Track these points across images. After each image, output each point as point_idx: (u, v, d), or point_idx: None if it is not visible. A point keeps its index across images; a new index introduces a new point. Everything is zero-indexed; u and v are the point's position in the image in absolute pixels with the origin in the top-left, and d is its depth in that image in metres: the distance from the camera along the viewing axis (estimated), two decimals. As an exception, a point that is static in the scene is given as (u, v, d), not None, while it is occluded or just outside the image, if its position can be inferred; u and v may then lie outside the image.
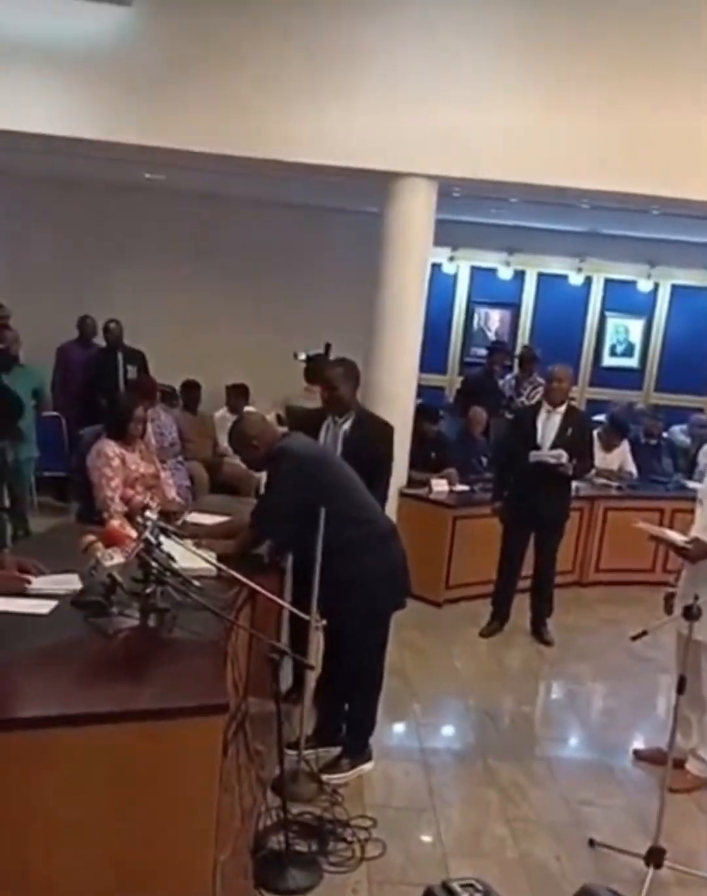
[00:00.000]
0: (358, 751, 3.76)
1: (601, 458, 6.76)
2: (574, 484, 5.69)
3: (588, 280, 9.72)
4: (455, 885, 1.32)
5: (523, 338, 9.67)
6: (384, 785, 3.71)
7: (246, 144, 5.52)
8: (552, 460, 5.17)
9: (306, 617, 3.36)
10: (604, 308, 9.81)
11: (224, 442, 7.86)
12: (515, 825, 3.50)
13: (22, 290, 7.81)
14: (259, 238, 8.54)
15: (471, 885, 1.34)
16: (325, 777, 3.60)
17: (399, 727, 4.30)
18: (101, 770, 2.34)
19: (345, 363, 4.18)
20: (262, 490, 3.52)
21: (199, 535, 3.56)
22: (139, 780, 2.38)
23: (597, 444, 6.56)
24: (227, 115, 5.47)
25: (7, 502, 5.87)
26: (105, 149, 5.70)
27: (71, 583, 3.07)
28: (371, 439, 4.11)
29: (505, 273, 9.65)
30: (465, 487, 6.29)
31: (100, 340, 7.74)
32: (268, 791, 3.26)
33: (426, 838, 3.38)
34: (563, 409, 5.32)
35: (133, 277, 8.38)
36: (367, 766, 3.77)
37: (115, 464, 4.29)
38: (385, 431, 4.22)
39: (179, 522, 3.87)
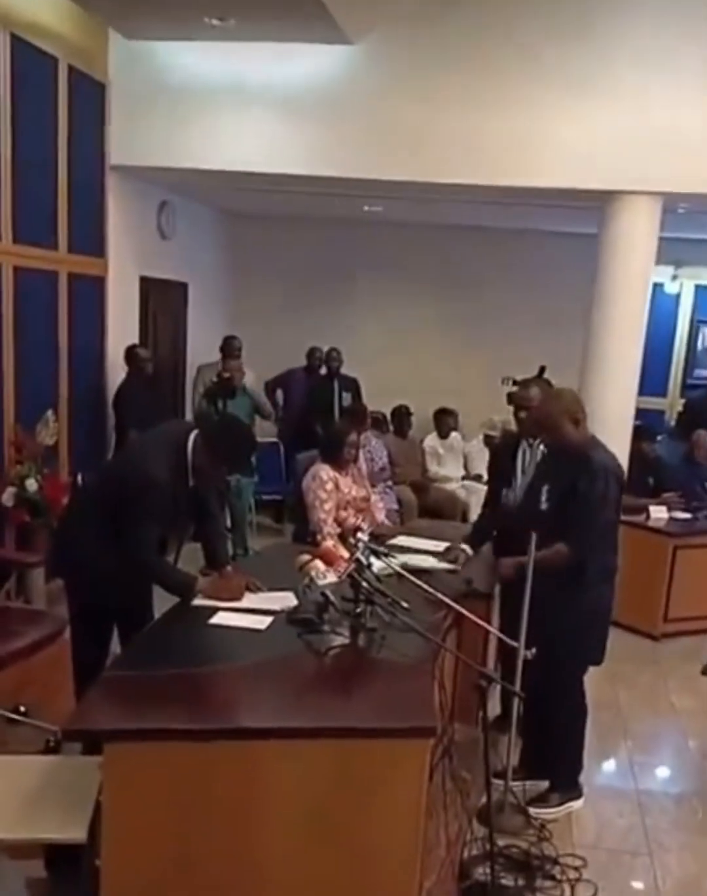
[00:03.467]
0: (568, 786, 3.64)
1: None
2: None
3: None
4: None
5: (753, 358, 9.09)
6: (595, 824, 3.57)
7: (462, 171, 5.59)
8: None
9: (515, 644, 3.31)
10: None
11: (433, 467, 7.96)
12: (741, 880, 3.25)
13: (251, 321, 8.30)
14: (471, 264, 8.59)
15: None
16: (532, 811, 3.52)
17: (610, 765, 4.12)
18: (310, 783, 2.42)
19: (539, 383, 4.08)
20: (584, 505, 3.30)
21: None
22: (346, 797, 2.43)
23: None
24: (443, 144, 5.56)
25: (228, 523, 6.20)
26: (324, 184, 5.98)
27: (287, 600, 3.21)
28: None
29: (733, 291, 9.14)
30: (687, 515, 5.97)
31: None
32: (473, 820, 3.22)
33: (640, 885, 3.22)
34: None
35: (349, 306, 8.69)
36: (577, 804, 3.64)
37: (329, 487, 4.43)
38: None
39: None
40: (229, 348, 6.84)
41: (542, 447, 3.88)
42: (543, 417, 3.49)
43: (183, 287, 7.64)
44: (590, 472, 3.32)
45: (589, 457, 3.35)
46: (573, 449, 3.41)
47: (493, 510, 4.17)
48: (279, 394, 7.95)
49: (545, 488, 3.49)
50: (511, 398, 5.60)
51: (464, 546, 4.07)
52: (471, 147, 5.56)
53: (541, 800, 3.59)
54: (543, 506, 3.47)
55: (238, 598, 3.23)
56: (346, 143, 5.64)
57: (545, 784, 3.65)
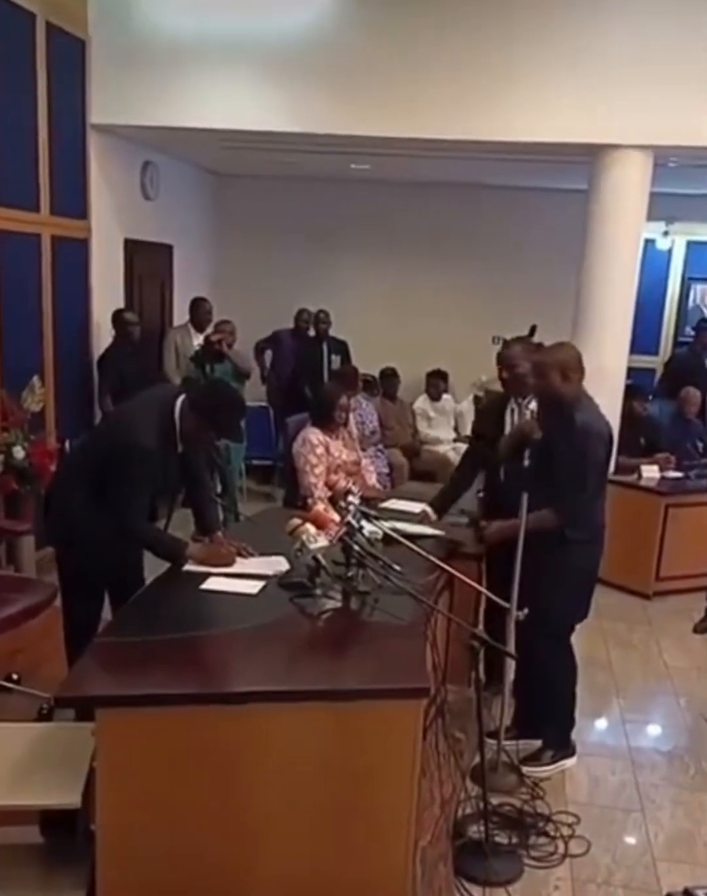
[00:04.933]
0: (560, 744, 3.67)
1: None
2: None
3: None
4: (700, 893, 1.23)
5: (745, 315, 9.03)
6: (588, 782, 3.60)
7: (451, 127, 5.49)
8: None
9: (507, 605, 3.31)
10: None
11: (423, 428, 7.93)
12: (732, 834, 3.29)
13: (237, 282, 8.21)
14: (460, 222, 8.49)
15: None
16: (526, 769, 3.55)
17: (602, 723, 4.15)
18: (304, 746, 2.42)
19: (524, 341, 4.00)
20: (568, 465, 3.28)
21: None
22: (340, 757, 2.44)
23: None
24: (432, 99, 5.46)
25: (219, 489, 6.17)
26: (310, 140, 5.87)
27: (280, 564, 3.20)
28: None
29: (725, 247, 9.06)
30: (678, 474, 5.98)
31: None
32: (467, 779, 3.25)
33: (633, 840, 3.25)
34: None
35: (337, 267, 8.58)
36: (570, 762, 3.68)
37: (319, 451, 4.40)
38: None
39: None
40: (200, 312, 6.75)
41: (531, 406, 3.84)
42: (535, 366, 3.47)
43: (168, 249, 7.53)
44: (571, 433, 3.30)
45: (572, 417, 3.32)
46: (558, 404, 3.37)
47: (468, 470, 4.18)
48: (268, 356, 7.87)
49: (528, 446, 3.48)
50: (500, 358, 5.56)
51: (426, 507, 4.07)
52: (459, 102, 5.46)
53: (534, 758, 3.62)
54: (526, 462, 3.46)
55: (229, 563, 3.22)
56: (332, 98, 5.52)
57: (537, 743, 3.68)
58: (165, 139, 6.39)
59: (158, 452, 3.10)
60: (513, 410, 3.94)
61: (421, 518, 4.01)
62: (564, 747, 3.68)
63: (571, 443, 3.29)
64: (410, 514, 4.10)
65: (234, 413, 3.37)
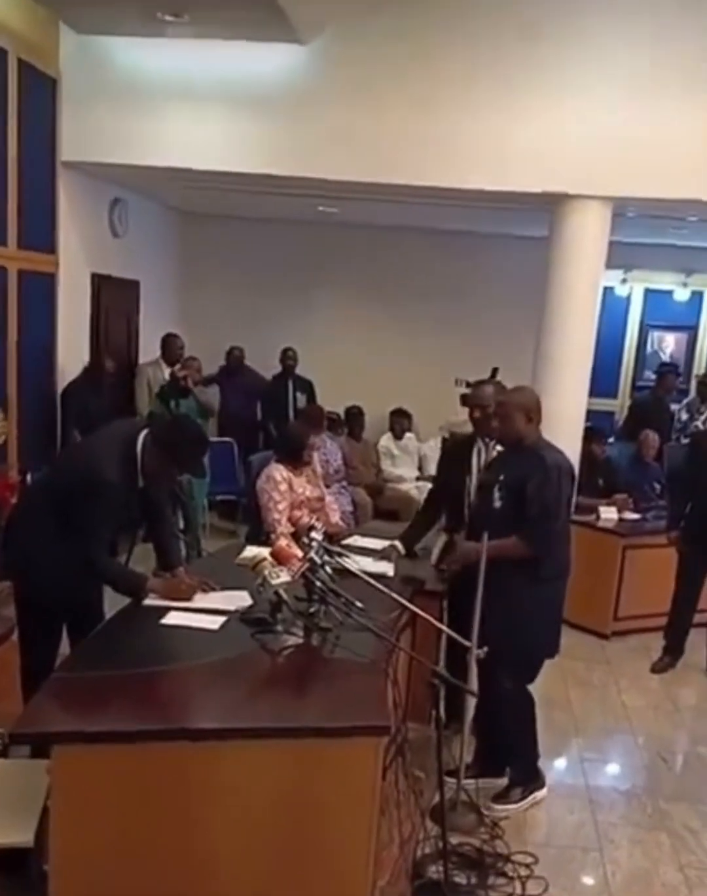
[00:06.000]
0: (530, 778, 3.69)
1: None
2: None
3: (771, 301, 9.21)
4: None
5: (701, 361, 9.27)
6: (546, 821, 3.60)
7: (412, 172, 5.60)
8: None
9: (467, 644, 3.32)
10: None
11: (387, 467, 7.98)
12: (689, 872, 3.30)
13: (203, 320, 8.26)
14: (423, 266, 8.63)
15: None
16: (498, 807, 3.57)
17: (561, 762, 4.16)
18: (263, 784, 2.41)
19: (495, 383, 4.09)
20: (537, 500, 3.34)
21: None
22: (299, 795, 2.43)
23: None
24: (394, 145, 5.57)
25: (181, 524, 6.14)
26: (273, 182, 5.95)
27: (241, 599, 3.19)
28: None
29: (681, 295, 9.30)
30: (635, 515, 6.06)
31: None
32: (426, 819, 3.23)
33: (591, 880, 3.25)
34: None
35: (304, 307, 8.67)
36: (541, 793, 3.70)
37: (282, 488, 4.41)
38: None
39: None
40: (171, 347, 6.79)
41: (496, 447, 3.89)
42: (499, 406, 3.55)
43: (135, 285, 7.56)
44: (543, 470, 3.37)
45: (542, 456, 3.40)
46: (522, 445, 3.46)
47: (433, 510, 4.25)
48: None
49: (496, 486, 3.52)
50: (465, 399, 5.64)
51: (396, 543, 4.13)
52: (421, 148, 5.57)
53: (503, 796, 3.63)
54: (496, 503, 3.50)
55: (189, 598, 3.20)
56: (298, 142, 5.63)
57: (500, 781, 3.68)
58: (132, 177, 6.46)
59: (121, 486, 3.09)
60: (479, 450, 3.99)
61: (387, 553, 4.04)
62: (534, 780, 3.70)
63: (546, 481, 3.35)
64: (374, 551, 4.13)
65: (197, 448, 3.37)
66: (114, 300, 7.08)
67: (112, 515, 3.14)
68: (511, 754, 3.70)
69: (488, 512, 3.50)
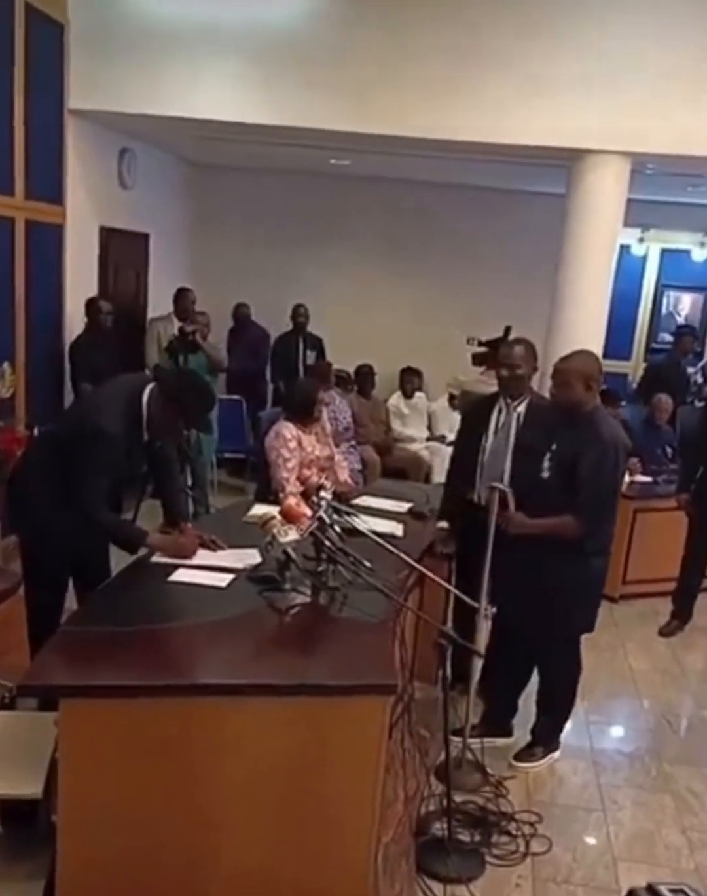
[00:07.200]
0: (554, 742, 3.75)
1: None
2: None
3: None
4: (663, 889, 1.23)
5: (717, 323, 9.14)
6: (551, 782, 3.61)
7: (428, 126, 5.48)
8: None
9: (475, 604, 3.31)
10: None
11: (397, 426, 7.93)
12: (692, 835, 3.31)
13: (213, 274, 8.15)
14: (437, 221, 8.48)
15: (681, 891, 1.24)
16: (521, 765, 3.63)
17: (567, 725, 4.14)
18: (269, 741, 2.40)
19: (525, 343, 3.89)
20: (590, 473, 3.21)
21: None
22: (306, 753, 2.42)
23: None
24: (413, 98, 5.44)
25: (189, 481, 6.12)
26: (287, 134, 5.82)
27: (250, 557, 3.17)
28: None
29: (699, 255, 9.14)
30: (647, 478, 6.02)
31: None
32: (431, 777, 3.24)
33: (594, 840, 3.26)
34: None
35: (316, 262, 8.53)
36: (557, 754, 3.75)
37: (292, 445, 4.38)
38: None
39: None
40: (183, 302, 6.72)
41: (519, 408, 3.81)
42: (557, 372, 3.36)
43: (144, 238, 7.45)
44: (601, 447, 3.25)
45: (598, 430, 3.28)
46: (578, 414, 3.32)
47: (460, 476, 3.99)
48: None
49: (547, 456, 3.36)
50: (481, 358, 5.55)
51: (443, 524, 3.97)
52: (438, 100, 5.45)
53: (527, 755, 3.68)
54: (545, 474, 3.36)
55: (190, 555, 3.17)
56: (311, 92, 5.48)
57: (504, 741, 3.73)
58: (142, 127, 6.32)
59: (123, 439, 3.05)
60: (500, 410, 3.84)
61: (441, 536, 3.93)
62: (555, 744, 3.75)
63: (603, 458, 3.24)
64: (383, 511, 4.09)
65: (204, 402, 3.32)
66: (122, 254, 6.99)
67: (109, 465, 3.07)
68: (550, 717, 3.73)
69: (537, 481, 3.37)
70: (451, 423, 7.15)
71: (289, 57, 5.47)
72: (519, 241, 8.28)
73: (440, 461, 7.05)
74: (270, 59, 5.50)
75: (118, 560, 3.34)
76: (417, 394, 8.17)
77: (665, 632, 5.27)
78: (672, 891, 1.15)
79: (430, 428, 8.09)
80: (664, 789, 3.63)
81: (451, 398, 7.67)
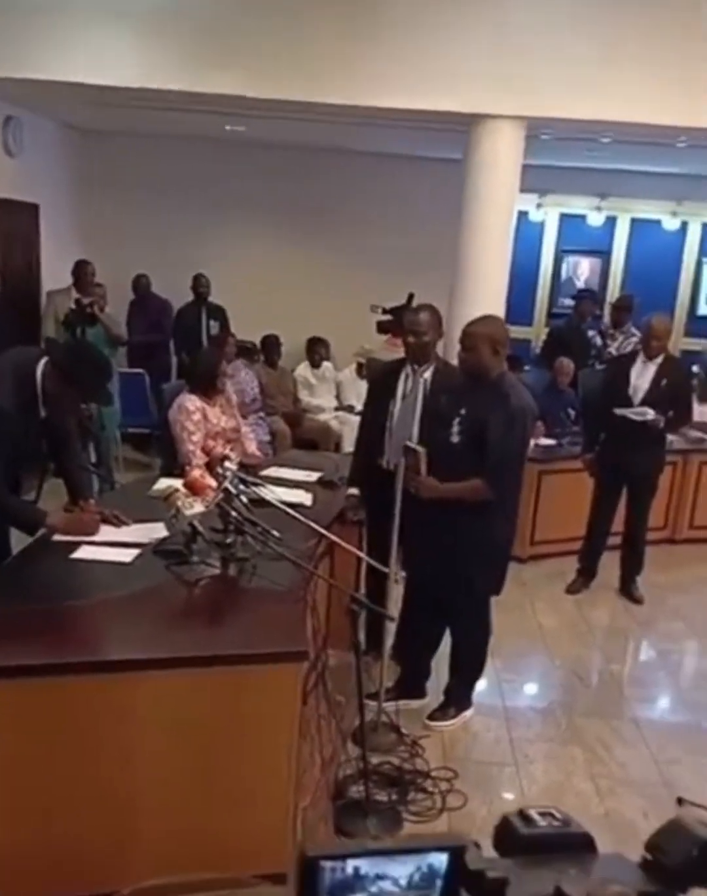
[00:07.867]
0: (467, 701, 3.81)
1: (697, 411, 6.47)
2: (668, 437, 5.45)
3: (684, 225, 9.27)
4: (533, 813, 1.30)
5: (614, 286, 9.32)
6: (465, 739, 3.68)
7: (323, 90, 5.38)
8: (637, 418, 4.94)
9: (386, 569, 3.32)
10: (701, 254, 9.35)
11: (305, 397, 7.88)
12: (601, 782, 3.43)
13: (109, 245, 7.91)
14: (338, 189, 8.41)
15: (550, 814, 1.32)
16: (435, 725, 3.68)
17: (480, 683, 4.22)
18: (183, 713, 2.38)
19: (430, 309, 3.89)
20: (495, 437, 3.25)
21: None
22: (220, 724, 2.41)
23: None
24: (304, 61, 5.32)
25: (93, 458, 5.97)
26: (183, 99, 5.65)
27: (156, 532, 3.10)
28: None
29: (596, 219, 9.29)
30: (551, 441, 6.14)
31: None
32: (347, 741, 3.26)
33: (508, 794, 3.34)
34: (659, 359, 5.07)
35: (215, 232, 8.38)
36: (469, 713, 3.81)
37: (196, 418, 4.30)
38: None
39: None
40: (82, 274, 6.52)
41: (425, 375, 3.81)
42: (465, 336, 3.38)
43: (33, 208, 7.17)
44: (508, 414, 3.29)
45: (506, 396, 3.31)
46: (485, 379, 3.34)
47: (369, 443, 3.98)
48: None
49: (456, 421, 3.39)
50: (384, 326, 5.54)
51: (353, 491, 3.95)
52: (330, 64, 5.33)
53: (441, 714, 3.73)
54: (454, 439, 3.38)
55: (92, 532, 3.09)
56: (198, 56, 5.30)
57: (418, 703, 3.78)
58: (28, 93, 6.04)
59: (16, 416, 2.94)
60: (407, 376, 3.83)
61: (352, 504, 3.91)
62: (469, 703, 3.82)
63: (511, 424, 3.28)
64: (292, 481, 4.06)
65: (99, 374, 3.21)
66: (11, 224, 6.73)
67: (4, 444, 2.95)
68: (462, 676, 3.78)
69: (446, 446, 3.39)
70: (359, 393, 7.14)
71: (174, 20, 5.28)
72: (418, 207, 8.27)
73: (349, 431, 7.04)
74: (156, 23, 5.28)
75: (19, 541, 3.22)
76: (325, 363, 8.14)
77: (572, 590, 5.41)
78: (541, 813, 1.26)
79: (338, 398, 8.07)
80: (574, 741, 3.73)
81: (359, 367, 7.67)
